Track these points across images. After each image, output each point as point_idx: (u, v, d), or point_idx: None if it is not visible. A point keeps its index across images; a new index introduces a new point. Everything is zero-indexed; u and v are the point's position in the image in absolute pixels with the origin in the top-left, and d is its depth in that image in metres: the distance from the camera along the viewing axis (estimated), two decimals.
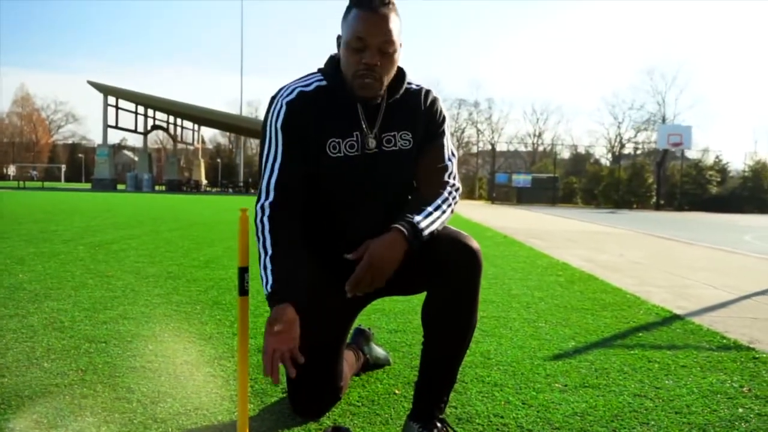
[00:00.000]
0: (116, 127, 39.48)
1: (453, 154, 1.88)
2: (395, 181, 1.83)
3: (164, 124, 46.18)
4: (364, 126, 1.77)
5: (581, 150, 59.38)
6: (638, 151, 56.13)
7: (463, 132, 65.00)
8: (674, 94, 67.01)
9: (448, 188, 1.81)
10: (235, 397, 2.05)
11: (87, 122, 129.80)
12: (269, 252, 1.69)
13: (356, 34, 1.64)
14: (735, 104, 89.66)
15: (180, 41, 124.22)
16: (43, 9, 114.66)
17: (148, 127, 43.54)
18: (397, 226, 1.63)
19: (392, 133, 1.79)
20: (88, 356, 2.43)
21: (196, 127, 50.28)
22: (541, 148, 63.82)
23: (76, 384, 2.11)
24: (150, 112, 42.72)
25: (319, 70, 1.83)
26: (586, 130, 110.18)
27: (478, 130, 64.77)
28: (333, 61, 1.80)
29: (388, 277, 1.62)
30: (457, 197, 1.83)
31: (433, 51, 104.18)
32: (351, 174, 1.78)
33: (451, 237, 1.71)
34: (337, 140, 1.75)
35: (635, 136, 57.94)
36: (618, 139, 58.77)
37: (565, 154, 59.45)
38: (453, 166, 1.86)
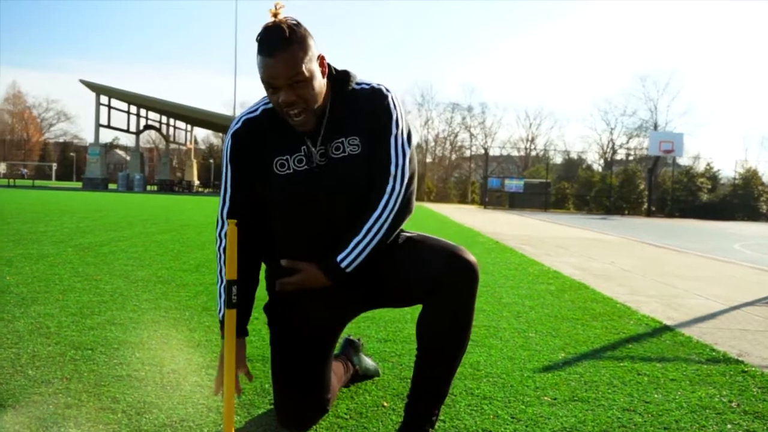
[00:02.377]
0: (108, 126, 39.31)
1: (403, 145, 1.78)
2: (348, 187, 1.78)
3: (157, 124, 46.01)
4: (307, 141, 1.77)
5: (573, 155, 59.63)
6: (630, 158, 56.39)
7: (456, 136, 65.30)
8: (666, 101, 67.65)
9: (389, 189, 1.75)
10: (221, 408, 2.02)
11: (79, 121, 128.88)
12: (222, 281, 1.84)
13: (264, 78, 1.67)
14: (726, 112, 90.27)
15: (174, 41, 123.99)
16: (36, 8, 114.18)
17: (141, 127, 43.36)
18: (322, 264, 1.76)
19: (340, 140, 1.77)
20: (73, 363, 2.40)
21: (188, 127, 50.15)
22: (533, 153, 64.09)
23: (60, 393, 2.08)
24: (142, 111, 42.55)
25: None
26: (579, 135, 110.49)
27: (471, 135, 65.02)
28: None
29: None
30: (402, 192, 1.76)
31: (426, 55, 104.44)
32: (302, 187, 1.77)
33: (448, 251, 1.71)
34: (284, 158, 1.78)
35: (627, 142, 58.36)
36: (610, 145, 59.17)
37: (558, 160, 59.70)
38: (400, 158, 1.77)
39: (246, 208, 1.83)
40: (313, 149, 1.77)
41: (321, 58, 1.72)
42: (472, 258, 1.71)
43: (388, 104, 1.80)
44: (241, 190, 1.83)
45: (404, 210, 1.77)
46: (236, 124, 1.84)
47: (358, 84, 1.82)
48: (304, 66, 1.64)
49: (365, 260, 1.73)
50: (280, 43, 1.62)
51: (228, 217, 1.83)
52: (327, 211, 1.79)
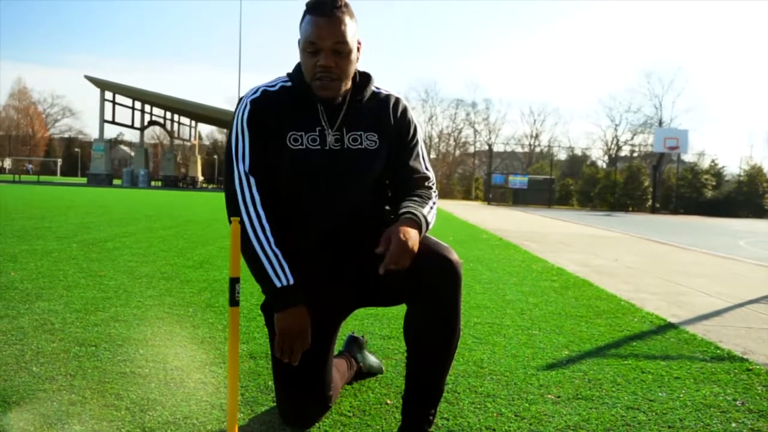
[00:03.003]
0: (113, 122, 39.42)
1: (428, 165, 1.95)
2: (359, 177, 1.85)
3: (161, 120, 46.08)
4: (324, 123, 1.81)
5: (578, 152, 59.51)
6: (635, 154, 56.27)
7: (460, 132, 65.18)
8: (671, 97, 67.47)
9: (433, 195, 1.89)
10: (225, 405, 2.03)
11: (84, 117, 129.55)
12: (270, 238, 1.73)
13: (309, 38, 1.71)
14: (731, 108, 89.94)
15: (178, 37, 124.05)
16: (41, 4, 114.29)
17: (145, 123, 43.43)
18: (408, 216, 1.70)
19: (358, 133, 1.84)
20: (77, 360, 2.41)
21: (193, 123, 50.20)
22: (537, 150, 63.90)
23: (64, 390, 2.09)
24: (147, 107, 42.63)
25: (287, 74, 1.90)
26: (583, 132, 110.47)
27: (475, 131, 64.89)
28: (299, 66, 1.87)
29: (411, 257, 1.64)
30: (437, 199, 1.91)
31: (431, 51, 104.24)
32: (313, 166, 1.80)
33: (430, 249, 1.69)
34: (298, 133, 1.80)
35: (632, 138, 58.07)
36: (615, 142, 58.89)
37: (562, 156, 59.62)
38: (432, 175, 1.94)
39: (262, 170, 1.79)
40: (329, 131, 1.81)
41: (359, 44, 1.79)
42: (454, 257, 1.68)
43: (412, 117, 1.93)
44: (258, 152, 1.79)
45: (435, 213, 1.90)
46: (254, 93, 1.84)
47: (377, 87, 1.92)
48: (350, 37, 1.72)
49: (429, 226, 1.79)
50: (336, 8, 1.69)
51: (252, 173, 1.77)
52: (333, 195, 1.81)
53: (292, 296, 1.70)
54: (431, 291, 1.67)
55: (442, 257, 1.67)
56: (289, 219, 1.84)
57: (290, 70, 1.89)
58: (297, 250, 1.80)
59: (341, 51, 1.71)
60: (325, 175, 1.81)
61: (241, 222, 1.72)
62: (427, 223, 1.75)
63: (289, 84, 1.85)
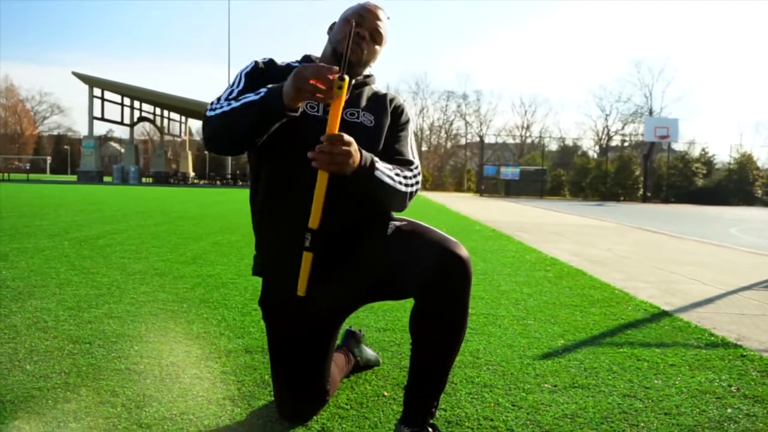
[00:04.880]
0: (102, 118, 39.06)
1: (415, 154, 1.97)
2: None
3: (151, 116, 45.75)
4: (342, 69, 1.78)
5: (569, 142, 59.64)
6: (625, 144, 56.47)
7: (451, 124, 65.27)
8: (661, 86, 67.77)
9: (415, 173, 1.88)
10: (221, 400, 2.02)
11: (72, 114, 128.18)
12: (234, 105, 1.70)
13: (360, 11, 1.87)
14: (720, 97, 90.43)
15: (167, 33, 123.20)
16: (28, 1, 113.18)
17: (135, 119, 43.13)
18: (363, 152, 1.68)
19: (356, 109, 1.88)
20: (71, 358, 2.39)
21: (183, 118, 49.89)
22: (529, 141, 64.02)
23: (59, 387, 2.07)
24: (136, 103, 42.29)
25: (296, 61, 1.98)
26: (574, 122, 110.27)
27: (466, 122, 65.00)
28: (307, 57, 1.96)
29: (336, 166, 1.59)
30: (418, 187, 1.89)
31: (421, 43, 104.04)
32: (309, 131, 1.75)
33: (440, 244, 1.67)
34: None
35: (622, 128, 58.30)
36: (605, 132, 59.11)
37: (553, 147, 59.68)
38: (417, 162, 1.94)
39: None
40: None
41: (383, 47, 1.94)
42: (464, 253, 1.66)
43: (406, 110, 2.00)
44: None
45: (412, 195, 1.87)
46: (262, 58, 1.92)
47: (377, 88, 2.01)
48: (384, 30, 1.91)
49: (381, 181, 1.72)
50: (384, 11, 1.93)
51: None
52: None
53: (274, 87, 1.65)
54: (440, 287, 1.64)
55: (451, 252, 1.64)
56: (274, 186, 1.82)
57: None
58: (291, 234, 1.77)
59: (376, 37, 1.88)
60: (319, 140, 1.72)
61: (215, 116, 1.71)
62: (374, 167, 1.69)
63: (297, 64, 1.92)
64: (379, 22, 1.88)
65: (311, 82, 1.54)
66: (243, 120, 1.67)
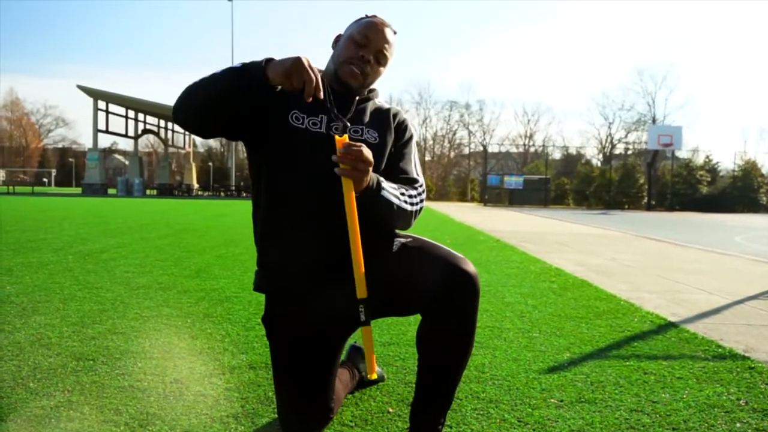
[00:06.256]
0: (106, 131, 39.27)
1: (419, 171, 1.97)
2: None
3: (155, 128, 45.95)
4: (331, 109, 1.79)
5: (572, 151, 59.61)
6: (629, 152, 56.44)
7: (454, 134, 65.36)
8: (664, 94, 67.84)
9: (414, 191, 1.86)
10: (225, 418, 2.00)
11: (77, 126, 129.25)
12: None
13: (365, 32, 1.82)
14: (724, 104, 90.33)
15: (170, 45, 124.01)
16: (32, 14, 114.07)
17: (139, 131, 43.32)
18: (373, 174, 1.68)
19: (361, 127, 1.86)
20: (75, 375, 2.38)
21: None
22: (532, 150, 64.01)
23: (62, 406, 2.06)
24: (141, 116, 42.51)
25: None
26: (577, 130, 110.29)
27: (469, 132, 65.09)
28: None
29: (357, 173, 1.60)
30: (423, 205, 1.89)
31: (423, 53, 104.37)
32: (311, 148, 1.75)
33: (446, 260, 1.66)
34: (301, 114, 1.79)
35: (626, 136, 58.33)
36: (609, 140, 59.11)
37: (557, 155, 59.69)
38: (421, 179, 1.95)
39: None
40: (337, 122, 1.73)
41: (387, 67, 1.91)
42: (471, 269, 1.66)
43: (408, 125, 1.99)
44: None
45: (418, 214, 1.86)
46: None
47: (380, 102, 1.99)
48: (390, 52, 1.87)
49: (382, 205, 1.71)
50: (391, 27, 1.88)
51: None
52: (329, 182, 1.70)
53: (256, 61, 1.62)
54: (448, 303, 1.64)
55: (458, 269, 1.64)
56: (274, 201, 1.80)
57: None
58: (295, 251, 1.76)
59: (380, 59, 1.85)
60: (323, 161, 1.70)
61: (193, 83, 1.66)
62: (381, 187, 1.69)
63: None
64: (386, 45, 1.84)
65: (306, 79, 1.54)
66: (218, 82, 1.62)
